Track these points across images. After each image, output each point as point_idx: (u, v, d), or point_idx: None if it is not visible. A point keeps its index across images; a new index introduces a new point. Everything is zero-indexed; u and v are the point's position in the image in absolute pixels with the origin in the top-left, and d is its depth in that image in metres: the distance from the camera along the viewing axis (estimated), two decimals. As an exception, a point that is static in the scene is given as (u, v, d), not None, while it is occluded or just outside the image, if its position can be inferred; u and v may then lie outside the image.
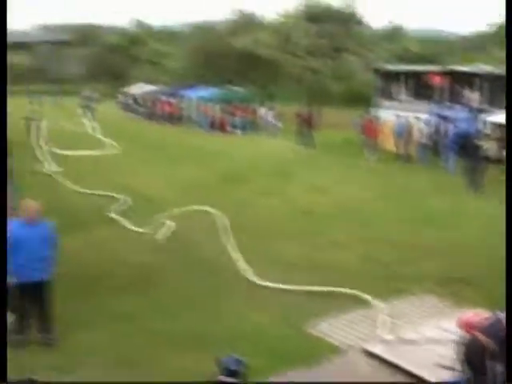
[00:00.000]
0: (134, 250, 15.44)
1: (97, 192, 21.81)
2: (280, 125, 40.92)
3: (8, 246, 9.72)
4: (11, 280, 9.85)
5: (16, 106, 61.98)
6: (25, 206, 10.25)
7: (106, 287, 12.69)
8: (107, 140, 36.15)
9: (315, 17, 48.18)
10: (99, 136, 38.86)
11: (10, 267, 9.78)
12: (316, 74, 48.84)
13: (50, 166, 27.48)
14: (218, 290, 12.66)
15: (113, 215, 18.56)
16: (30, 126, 38.75)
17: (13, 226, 10.02)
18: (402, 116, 30.36)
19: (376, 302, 11.67)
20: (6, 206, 10.42)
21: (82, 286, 12.59)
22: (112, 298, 12.07)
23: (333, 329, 10.74)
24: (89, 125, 46.19)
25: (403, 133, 29.54)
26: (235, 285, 13.00)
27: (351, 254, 14.88)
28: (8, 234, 9.78)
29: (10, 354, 9.55)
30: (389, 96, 35.51)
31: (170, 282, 13.15)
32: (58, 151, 31.90)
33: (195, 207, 18.20)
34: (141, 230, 17.07)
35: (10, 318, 10.56)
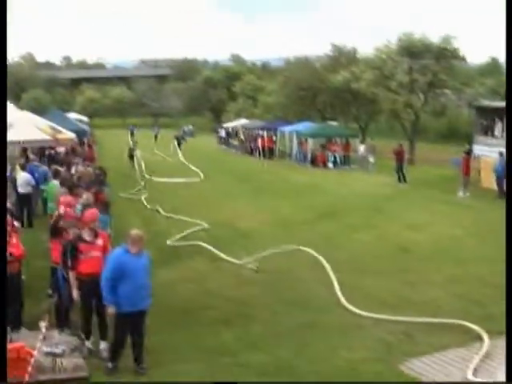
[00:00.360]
0: (229, 282, 15.60)
1: (193, 221, 22.38)
2: (375, 160, 40.76)
3: (114, 275, 10.00)
4: (115, 310, 10.09)
5: (115, 137, 64.23)
6: (133, 236, 10.27)
7: (200, 319, 12.89)
8: (199, 171, 37.54)
9: (413, 52, 47.84)
10: (192, 167, 39.98)
11: (114, 297, 10.04)
12: (412, 109, 48.44)
13: (144, 193, 28.34)
14: (312, 324, 12.65)
15: (206, 245, 18.88)
16: (129, 155, 41.33)
17: (119, 254, 10.19)
18: (504, 153, 29.62)
19: (483, 334, 11.48)
20: (5, 206, 10.66)
21: (176, 318, 12.84)
22: (206, 331, 12.26)
23: (427, 368, 10.55)
24: (181, 155, 47.76)
25: (503, 170, 28.79)
26: (330, 319, 12.95)
27: (444, 292, 14.63)
28: (114, 264, 10.04)
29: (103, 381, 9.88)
30: (487, 132, 34.89)
31: (264, 316, 13.23)
32: (157, 179, 33.18)
33: (289, 246, 18.17)
34: (234, 260, 17.24)
35: (102, 344, 10.89)
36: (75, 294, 10.90)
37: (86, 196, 15.58)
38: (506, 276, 8.49)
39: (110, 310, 10.17)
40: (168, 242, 19.44)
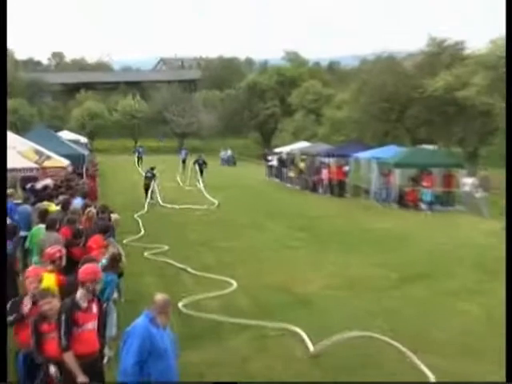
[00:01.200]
0: (276, 365, 15.72)
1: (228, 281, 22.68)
2: (487, 197, 40.42)
3: (142, 357, 10.01)
4: None
5: (124, 164, 65.08)
6: (160, 302, 10.33)
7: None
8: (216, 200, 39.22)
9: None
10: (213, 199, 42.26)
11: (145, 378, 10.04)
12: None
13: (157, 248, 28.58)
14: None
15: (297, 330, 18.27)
16: (147, 185, 43.97)
17: (146, 327, 10.16)
18: None
19: None
20: (5, 208, 10.89)
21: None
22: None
23: None
24: (202, 185, 50.30)
25: None
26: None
27: None
28: (142, 341, 10.01)
29: None
30: None
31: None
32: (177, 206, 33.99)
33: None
34: (310, 345, 16.89)
35: None
36: (81, 379, 10.55)
37: (112, 249, 15.89)
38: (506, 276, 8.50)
39: None
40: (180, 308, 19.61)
